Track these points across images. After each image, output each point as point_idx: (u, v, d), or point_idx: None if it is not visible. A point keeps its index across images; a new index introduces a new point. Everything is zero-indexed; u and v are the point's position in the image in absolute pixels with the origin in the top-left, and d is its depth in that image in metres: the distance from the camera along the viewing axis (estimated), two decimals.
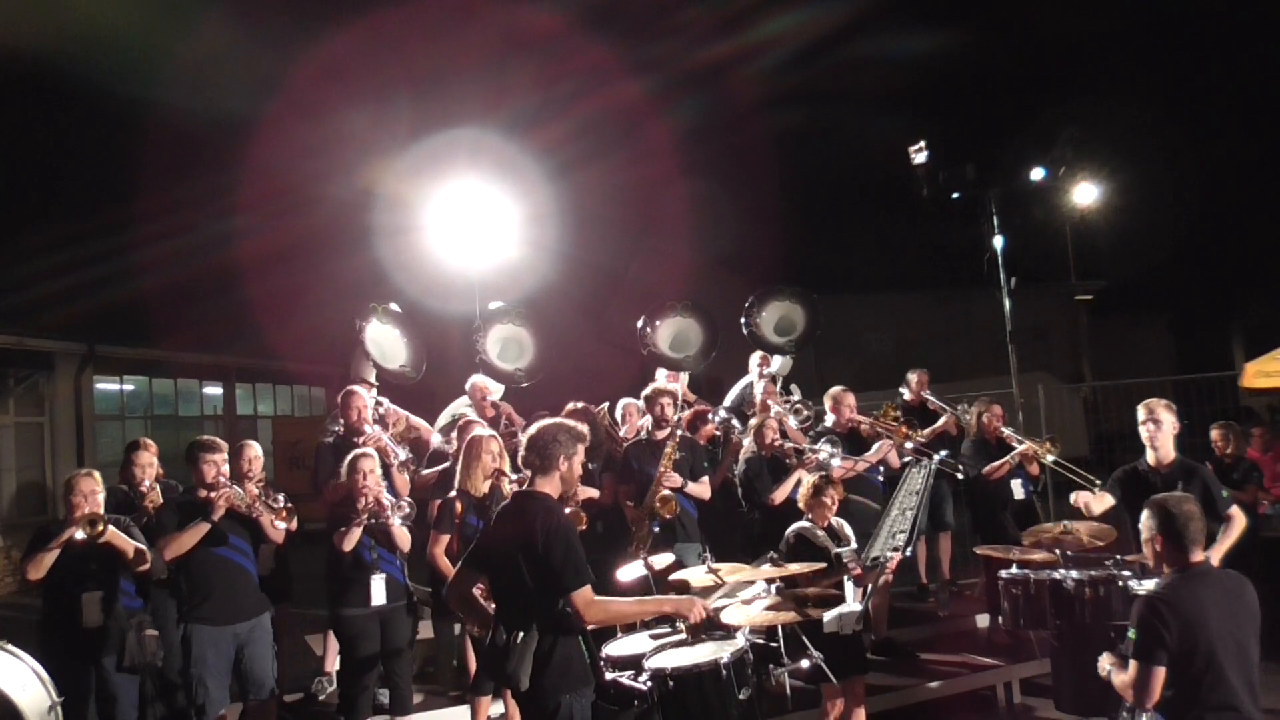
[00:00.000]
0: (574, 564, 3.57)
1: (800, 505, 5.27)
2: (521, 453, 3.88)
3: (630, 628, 4.79)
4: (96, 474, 5.20)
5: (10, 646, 4.46)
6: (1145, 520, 3.74)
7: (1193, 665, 3.45)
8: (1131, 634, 3.54)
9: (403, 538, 5.40)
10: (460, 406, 7.44)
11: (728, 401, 8.17)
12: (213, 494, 4.99)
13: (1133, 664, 3.54)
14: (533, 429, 3.93)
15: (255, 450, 5.93)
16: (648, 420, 6.87)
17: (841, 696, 4.91)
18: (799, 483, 5.86)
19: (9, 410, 14.87)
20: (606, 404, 7.58)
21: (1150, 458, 5.38)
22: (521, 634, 3.55)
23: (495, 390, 7.40)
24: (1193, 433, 6.44)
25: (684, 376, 7.74)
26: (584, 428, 3.96)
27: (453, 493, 5.46)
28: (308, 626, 7.17)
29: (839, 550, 4.96)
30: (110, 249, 15.40)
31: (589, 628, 3.63)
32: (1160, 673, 3.47)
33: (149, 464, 5.77)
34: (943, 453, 6.45)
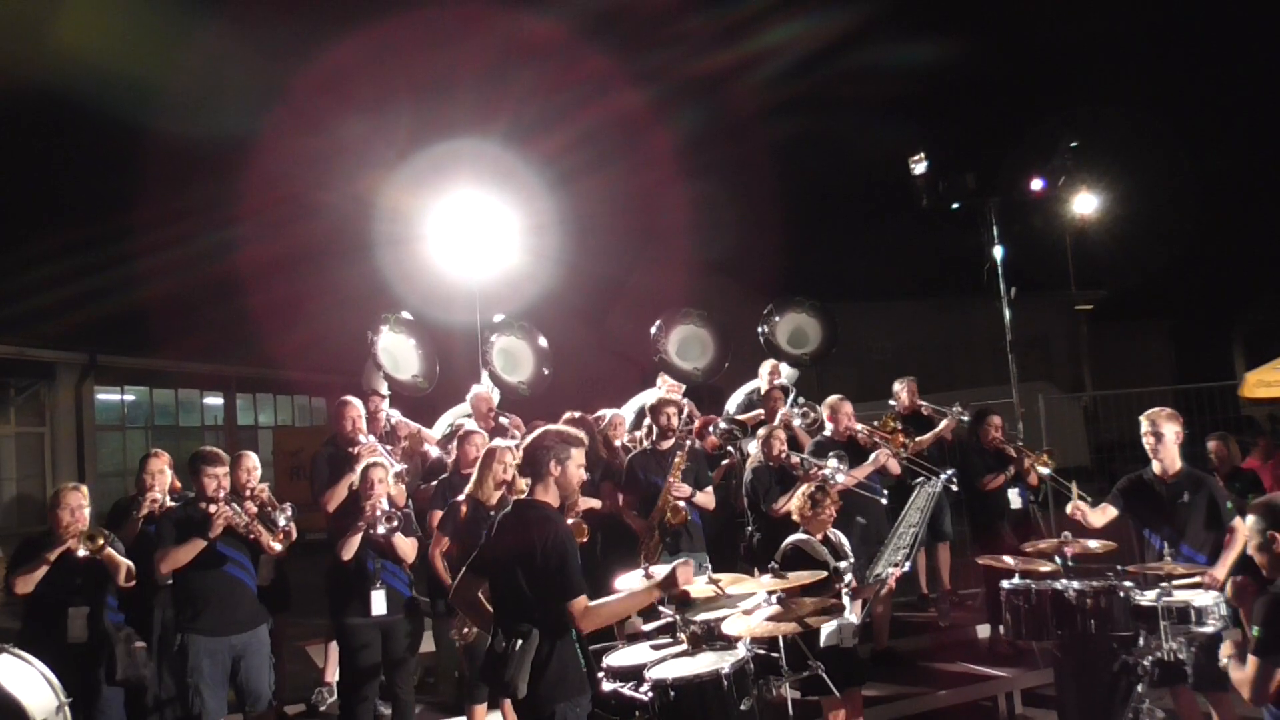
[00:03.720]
0: (570, 574, 3.59)
1: (795, 518, 5.26)
2: (516, 463, 3.91)
3: (633, 637, 4.79)
4: (84, 488, 5.19)
5: (15, 650, 4.44)
6: (1256, 522, 3.68)
7: None
8: (1256, 630, 3.49)
9: (405, 549, 5.40)
10: (458, 415, 7.45)
11: (731, 408, 8.18)
12: (212, 509, 4.99)
13: (1252, 660, 3.50)
14: (526, 438, 3.94)
15: (253, 461, 5.94)
16: (641, 430, 6.88)
17: (842, 708, 4.90)
18: None
19: (10, 420, 14.89)
20: (607, 412, 7.59)
21: (1155, 468, 5.35)
22: (519, 642, 3.56)
23: (496, 400, 7.41)
24: (1193, 442, 6.43)
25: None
26: (579, 432, 3.96)
27: (460, 497, 5.48)
28: (308, 637, 7.16)
29: (837, 565, 4.97)
30: (111, 259, 15.46)
31: (585, 633, 3.63)
32: None
33: (159, 471, 5.73)
34: (949, 471, 6.45)
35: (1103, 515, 5.48)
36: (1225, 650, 3.81)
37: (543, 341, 7.98)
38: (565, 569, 3.58)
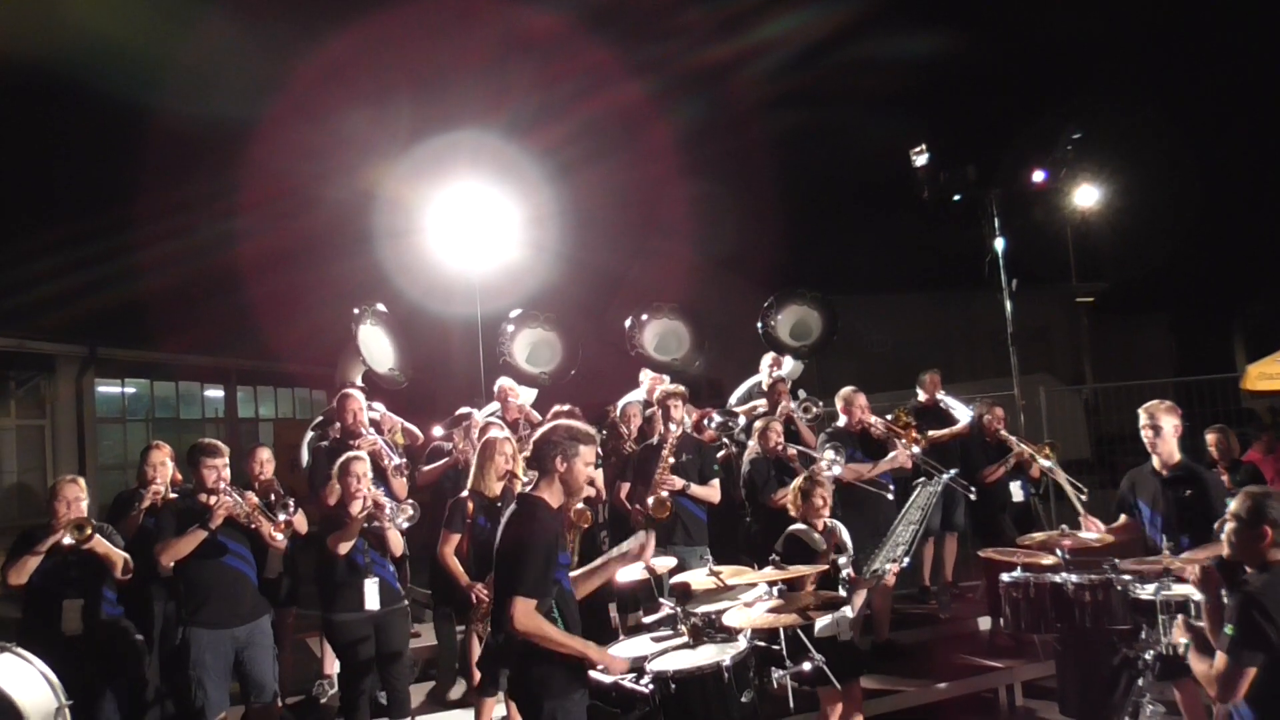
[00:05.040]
0: (528, 571, 3.53)
1: (791, 512, 5.26)
2: (526, 454, 3.89)
3: (634, 630, 4.79)
4: (81, 481, 5.20)
5: (18, 649, 4.41)
6: (1239, 507, 3.61)
7: None
8: (1229, 629, 3.42)
9: (396, 542, 5.38)
10: (494, 408, 7.46)
11: (733, 401, 8.18)
12: (212, 500, 4.99)
13: (1222, 658, 3.42)
14: (538, 431, 3.92)
15: (266, 454, 5.96)
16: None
17: (841, 700, 4.91)
18: None
19: (10, 413, 14.87)
20: (622, 403, 7.59)
21: (1155, 462, 5.33)
22: (504, 635, 3.56)
23: (527, 395, 7.43)
24: (1193, 435, 6.44)
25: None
26: (590, 429, 3.94)
27: (465, 492, 5.48)
28: (307, 629, 7.17)
29: (835, 557, 4.96)
30: (111, 251, 15.42)
31: (516, 633, 3.52)
32: (1252, 674, 3.35)
33: (160, 463, 5.75)
34: (953, 471, 6.44)
35: (1124, 530, 5.44)
36: (1179, 631, 3.76)
37: (570, 331, 7.96)
38: (524, 565, 3.53)
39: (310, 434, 7.04)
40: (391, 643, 5.37)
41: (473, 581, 5.38)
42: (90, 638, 5.06)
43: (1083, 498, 6.52)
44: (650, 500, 6.21)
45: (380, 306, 7.32)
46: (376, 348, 7.20)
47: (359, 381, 6.97)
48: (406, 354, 7.42)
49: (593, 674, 3.87)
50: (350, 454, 5.45)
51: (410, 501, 5.47)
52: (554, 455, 3.76)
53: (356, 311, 7.03)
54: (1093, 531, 5.39)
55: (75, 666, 4.95)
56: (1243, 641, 3.37)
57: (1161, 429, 5.23)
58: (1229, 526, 3.66)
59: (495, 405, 7.45)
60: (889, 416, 7.14)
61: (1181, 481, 5.21)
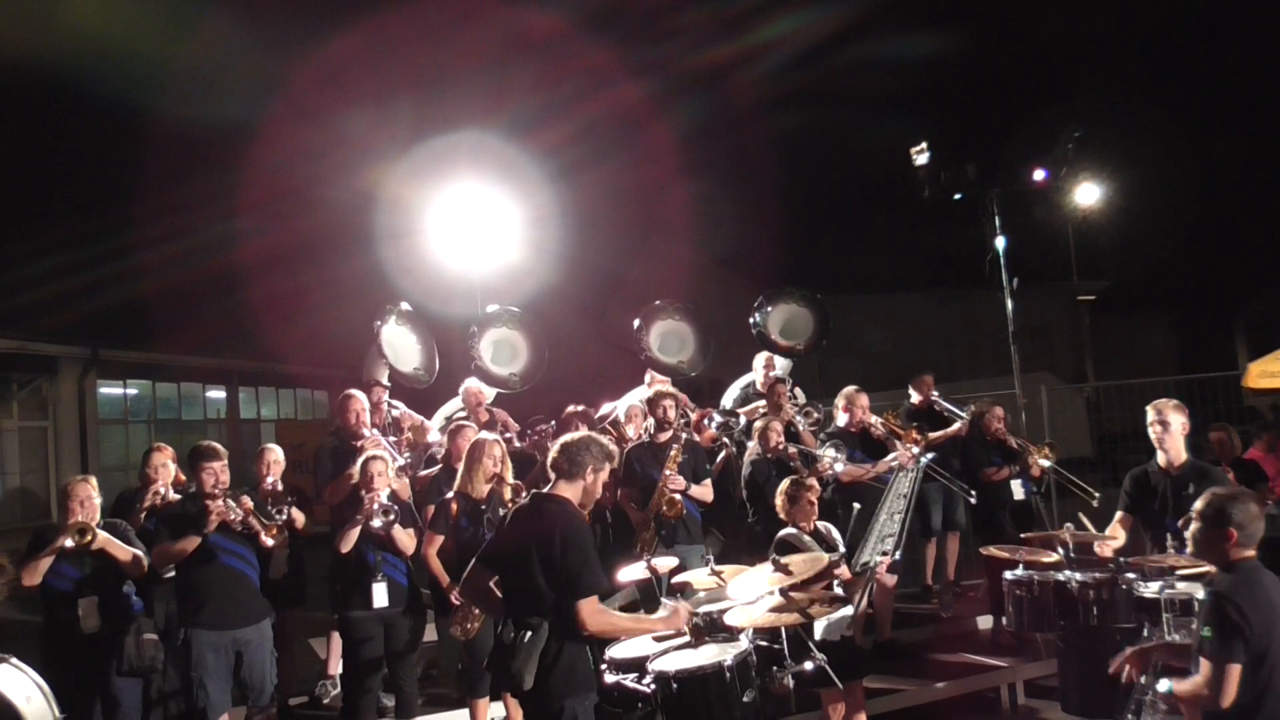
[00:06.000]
0: (590, 571, 3.60)
1: (781, 515, 5.25)
2: (552, 455, 3.92)
3: None
4: (93, 479, 5.22)
5: (15, 661, 4.42)
6: (1205, 508, 3.64)
7: (1265, 664, 3.38)
8: (1206, 632, 3.44)
9: (405, 541, 5.40)
10: (452, 409, 7.47)
11: (727, 402, 8.16)
12: (209, 503, 5.00)
13: (1206, 664, 3.43)
14: (568, 436, 3.98)
15: (276, 455, 5.99)
16: (650, 422, 6.87)
17: (843, 700, 4.90)
18: None
19: (12, 414, 14.88)
20: (614, 405, 7.59)
21: (1160, 459, 5.31)
22: (529, 634, 3.56)
23: (488, 394, 7.42)
24: (1196, 433, 6.43)
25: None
26: (614, 449, 4.00)
27: (450, 493, 5.48)
28: (311, 629, 7.18)
29: (830, 558, 4.96)
30: (113, 252, 15.41)
31: (586, 635, 3.63)
32: (1238, 670, 3.37)
33: (162, 465, 5.78)
34: (929, 455, 6.44)
35: (1123, 528, 5.42)
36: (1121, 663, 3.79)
37: (539, 331, 7.96)
38: (585, 566, 3.59)
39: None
40: (400, 641, 5.42)
41: (453, 583, 5.35)
42: (109, 635, 5.07)
43: (1093, 503, 6.53)
44: (665, 502, 6.24)
45: (405, 306, 7.34)
46: (401, 347, 7.22)
47: (385, 380, 7.00)
48: (432, 354, 7.44)
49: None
50: (372, 453, 5.55)
51: (392, 504, 5.46)
52: (589, 464, 3.83)
53: (378, 323, 7.02)
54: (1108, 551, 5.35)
55: (95, 665, 5.01)
56: (1221, 639, 3.40)
57: (1170, 425, 5.22)
58: (1194, 527, 3.69)
59: (457, 402, 7.45)
60: (877, 419, 7.15)
61: (1188, 480, 5.20)
